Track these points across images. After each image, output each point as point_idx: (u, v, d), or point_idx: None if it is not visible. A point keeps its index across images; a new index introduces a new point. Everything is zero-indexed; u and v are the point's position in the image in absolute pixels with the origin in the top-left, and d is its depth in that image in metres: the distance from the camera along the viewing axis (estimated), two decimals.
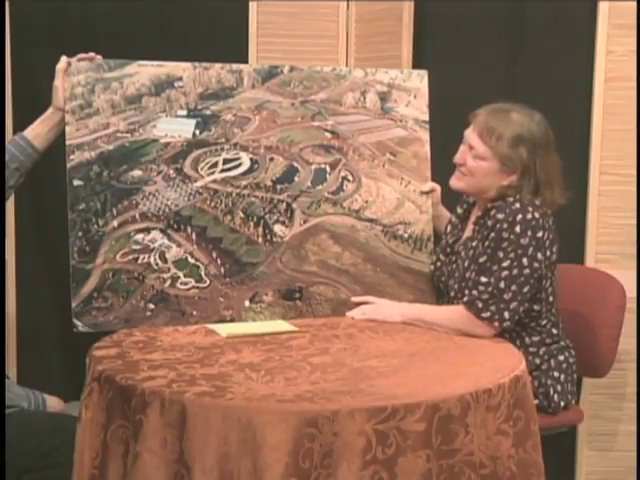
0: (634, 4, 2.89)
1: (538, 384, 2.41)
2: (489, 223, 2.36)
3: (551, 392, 2.41)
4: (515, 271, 2.28)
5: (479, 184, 2.41)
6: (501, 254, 2.30)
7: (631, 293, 2.82)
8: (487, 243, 2.34)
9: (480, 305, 2.30)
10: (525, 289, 2.30)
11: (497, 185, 2.38)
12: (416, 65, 3.00)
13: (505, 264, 2.29)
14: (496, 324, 2.29)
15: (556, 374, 2.43)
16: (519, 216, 2.30)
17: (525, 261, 2.29)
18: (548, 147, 2.39)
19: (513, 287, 2.29)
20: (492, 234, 2.33)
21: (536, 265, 2.31)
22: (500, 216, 2.33)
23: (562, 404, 2.44)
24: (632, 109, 2.92)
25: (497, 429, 1.86)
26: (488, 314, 2.29)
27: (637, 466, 2.70)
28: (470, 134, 2.40)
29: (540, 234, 2.31)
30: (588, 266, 2.96)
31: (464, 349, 2.18)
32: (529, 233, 2.29)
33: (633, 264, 2.94)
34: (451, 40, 3.08)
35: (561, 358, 2.46)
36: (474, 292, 2.32)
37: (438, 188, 2.62)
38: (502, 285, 2.28)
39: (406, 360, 2.06)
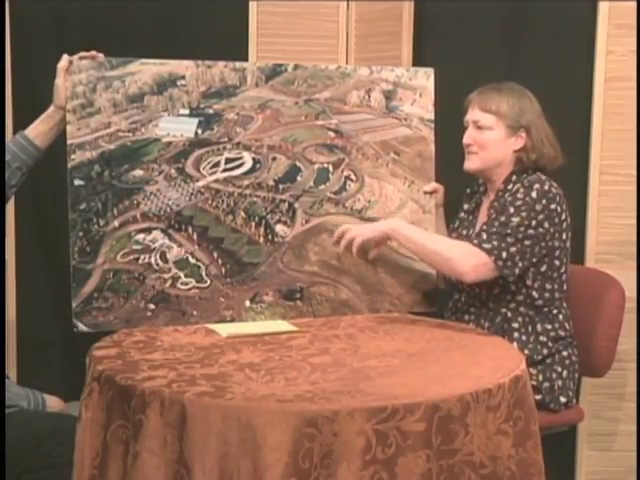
0: (634, 4, 2.89)
1: (543, 378, 2.42)
2: (505, 199, 2.44)
3: (555, 388, 2.44)
4: (522, 228, 2.34)
5: (493, 155, 2.49)
6: (512, 209, 2.37)
7: (631, 293, 2.82)
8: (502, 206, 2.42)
9: (484, 236, 2.35)
10: (527, 243, 2.35)
11: (509, 153, 2.48)
12: (416, 65, 2.99)
13: (514, 219, 2.35)
14: (492, 258, 2.31)
15: (559, 369, 2.45)
16: (536, 184, 2.40)
17: (534, 223, 2.35)
18: (540, 112, 2.51)
19: (518, 235, 2.34)
20: (508, 197, 2.42)
21: (541, 231, 2.37)
22: (517, 186, 2.43)
23: (563, 400, 2.45)
24: (632, 109, 2.92)
25: (497, 429, 1.86)
26: (489, 246, 2.33)
27: (637, 466, 2.70)
28: (471, 113, 2.51)
29: (554, 206, 2.39)
30: (588, 266, 2.96)
31: (464, 349, 2.18)
32: (544, 202, 2.37)
33: (633, 264, 2.94)
34: (451, 40, 3.08)
35: (565, 354, 2.47)
36: (480, 229, 2.39)
37: (441, 189, 2.63)
38: (508, 230, 2.34)
39: (406, 360, 2.06)
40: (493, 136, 2.47)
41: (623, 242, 2.98)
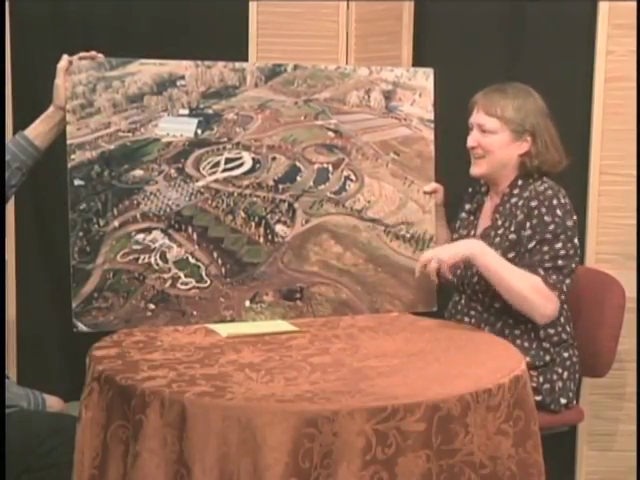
0: (634, 4, 2.89)
1: (543, 380, 2.41)
2: (515, 208, 2.42)
3: (556, 389, 2.43)
4: (569, 258, 2.34)
5: (498, 160, 2.47)
6: (550, 236, 2.35)
7: (631, 293, 2.82)
8: (529, 231, 2.37)
9: (542, 272, 2.33)
10: (572, 266, 2.36)
11: (514, 156, 2.46)
12: (416, 65, 2.99)
13: (557, 245, 2.34)
14: (556, 293, 2.32)
15: (560, 370, 2.44)
16: (555, 200, 2.38)
17: (569, 245, 2.35)
18: (545, 111, 2.49)
19: (571, 266, 2.35)
20: (533, 220, 2.38)
21: (573, 252, 2.37)
22: (534, 203, 2.39)
23: (563, 401, 2.44)
24: (632, 109, 2.92)
25: (497, 429, 1.86)
26: (553, 279, 2.32)
27: (637, 466, 2.70)
28: (475, 116, 2.49)
29: (575, 220, 2.40)
30: (588, 266, 2.96)
31: (464, 349, 2.18)
32: (570, 216, 2.38)
33: (633, 264, 2.94)
34: (451, 40, 3.08)
35: (566, 355, 2.47)
36: (533, 263, 2.34)
37: (441, 189, 2.62)
38: (560, 262, 2.33)
39: (406, 360, 2.06)
40: (498, 140, 2.45)
41: (623, 242, 2.98)
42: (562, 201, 2.39)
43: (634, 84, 2.91)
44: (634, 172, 2.95)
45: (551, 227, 2.35)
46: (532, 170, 2.47)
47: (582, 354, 2.53)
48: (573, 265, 2.36)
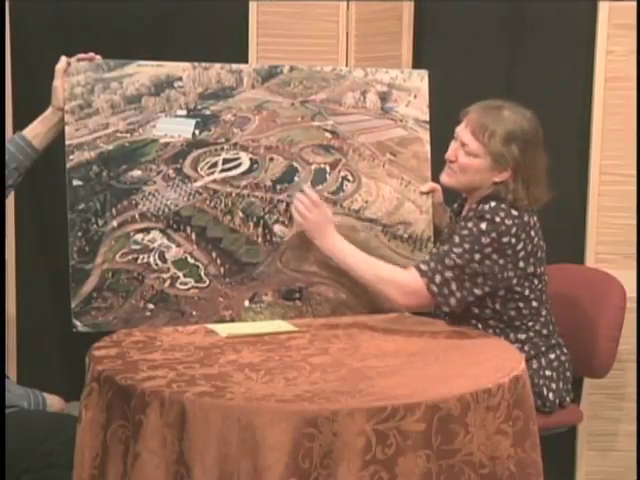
0: (634, 4, 2.89)
1: (531, 384, 2.38)
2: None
3: (545, 391, 2.41)
4: (464, 259, 2.28)
5: (470, 181, 2.42)
6: (457, 239, 2.31)
7: (631, 293, 2.82)
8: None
9: (426, 258, 2.33)
10: (467, 271, 2.28)
11: (488, 181, 2.40)
12: (416, 65, 3.00)
13: (456, 250, 2.29)
14: (425, 280, 2.27)
15: (548, 373, 2.43)
16: (488, 215, 2.31)
17: (477, 256, 2.28)
18: (538, 144, 2.40)
19: (458, 261, 2.27)
20: (461, 223, 2.36)
21: (487, 263, 2.29)
22: (470, 214, 2.37)
23: (557, 402, 2.44)
24: (632, 109, 2.92)
25: (497, 429, 1.86)
26: (425, 267, 2.28)
27: (637, 466, 2.70)
28: (462, 131, 2.41)
29: (506, 239, 2.30)
30: (588, 266, 2.96)
31: (464, 349, 2.18)
32: (493, 235, 2.29)
33: (633, 264, 2.94)
34: (451, 40, 3.09)
35: (552, 356, 2.45)
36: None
37: (439, 188, 2.61)
38: (447, 257, 2.28)
39: (406, 360, 2.06)
40: (477, 164, 2.38)
41: (623, 242, 2.98)
42: (496, 219, 2.30)
43: (634, 84, 2.91)
44: (634, 172, 2.95)
45: (464, 232, 2.31)
46: (504, 202, 2.36)
47: (582, 355, 2.53)
48: (467, 270, 2.27)
